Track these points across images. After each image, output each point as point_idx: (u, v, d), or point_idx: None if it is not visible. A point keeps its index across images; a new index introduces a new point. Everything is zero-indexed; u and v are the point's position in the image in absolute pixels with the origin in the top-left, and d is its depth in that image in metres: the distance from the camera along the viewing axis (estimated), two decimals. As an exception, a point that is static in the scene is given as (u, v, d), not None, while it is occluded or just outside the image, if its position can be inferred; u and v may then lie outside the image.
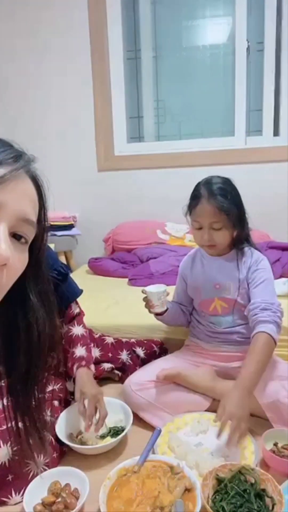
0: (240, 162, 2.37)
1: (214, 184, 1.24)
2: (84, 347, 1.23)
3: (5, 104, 2.59)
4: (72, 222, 2.52)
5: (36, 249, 0.54)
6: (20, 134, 2.57)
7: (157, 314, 1.35)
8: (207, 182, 1.25)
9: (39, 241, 0.54)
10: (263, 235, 2.23)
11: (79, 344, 1.23)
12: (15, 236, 0.48)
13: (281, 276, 1.89)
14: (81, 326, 1.28)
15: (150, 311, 1.32)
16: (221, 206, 1.20)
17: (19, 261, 0.49)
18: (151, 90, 2.67)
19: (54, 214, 2.39)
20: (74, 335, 1.25)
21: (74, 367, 1.18)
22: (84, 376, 1.16)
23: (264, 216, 2.31)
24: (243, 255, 1.31)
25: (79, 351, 1.22)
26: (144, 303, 1.31)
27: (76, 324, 1.27)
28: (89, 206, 2.62)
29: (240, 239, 1.31)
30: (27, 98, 2.58)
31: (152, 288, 1.28)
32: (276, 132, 2.48)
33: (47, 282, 0.58)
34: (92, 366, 1.24)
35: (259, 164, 2.40)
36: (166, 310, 1.33)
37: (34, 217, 0.50)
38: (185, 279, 1.41)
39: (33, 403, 0.60)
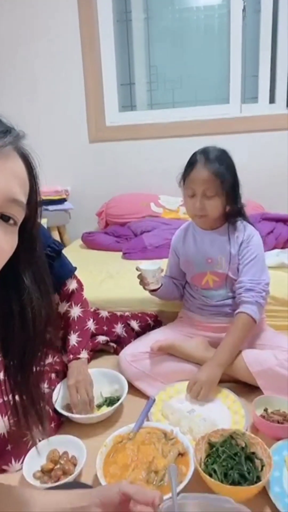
0: (235, 131, 2.31)
1: (210, 152, 1.23)
2: (77, 333, 1.25)
3: (-11, 72, 2.48)
4: (65, 196, 2.48)
5: (28, 230, 0.52)
6: (5, 105, 2.48)
7: (151, 291, 1.35)
8: (204, 151, 1.25)
9: (31, 222, 0.52)
10: (257, 206, 2.21)
11: (72, 332, 1.25)
12: (3, 218, 0.46)
13: (274, 247, 1.89)
14: (78, 305, 1.28)
15: (144, 288, 1.32)
16: (216, 171, 1.20)
17: (7, 243, 0.47)
18: (143, 55, 2.55)
19: (46, 188, 2.35)
20: (70, 318, 1.26)
21: (70, 355, 1.22)
22: (70, 368, 1.19)
23: (259, 186, 2.29)
24: (235, 230, 1.30)
25: (73, 339, 1.24)
26: (139, 280, 1.31)
27: (73, 305, 1.28)
28: (81, 179, 2.57)
29: (233, 213, 1.30)
30: (12, 65, 2.46)
31: (146, 266, 1.29)
32: (272, 99, 2.41)
33: (42, 264, 0.56)
34: (85, 353, 1.24)
35: (254, 133, 2.34)
36: (160, 287, 1.33)
37: (23, 197, 0.48)
38: (177, 254, 1.40)
39: (30, 381, 0.60)
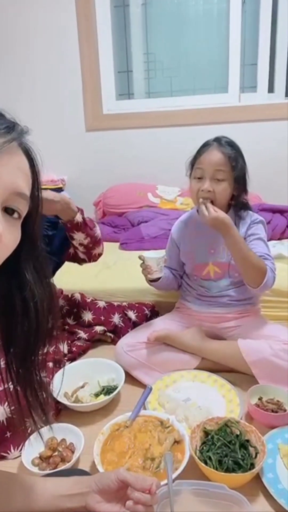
0: (233, 121, 2.29)
1: (223, 138, 1.25)
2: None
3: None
4: (61, 186, 2.46)
5: (30, 224, 0.53)
6: (0, 93, 2.43)
7: (152, 281, 1.35)
8: (217, 138, 1.26)
9: (33, 216, 0.53)
10: (254, 196, 2.21)
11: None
12: (7, 211, 0.47)
13: (271, 239, 1.90)
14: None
15: (147, 278, 1.32)
16: (229, 154, 1.21)
17: (11, 236, 0.48)
18: (140, 42, 2.51)
19: (42, 178, 2.33)
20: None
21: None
22: None
23: (257, 177, 2.27)
24: (240, 219, 1.31)
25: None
26: (141, 269, 1.31)
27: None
28: (77, 168, 2.54)
29: (239, 203, 1.30)
30: (7, 52, 2.41)
31: (151, 254, 1.29)
32: (271, 89, 2.39)
33: (43, 257, 0.57)
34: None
35: (253, 123, 2.32)
36: (161, 276, 1.33)
37: (27, 191, 0.49)
38: (178, 245, 1.40)
39: (34, 372, 0.60)
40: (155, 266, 1.27)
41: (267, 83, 2.37)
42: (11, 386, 0.86)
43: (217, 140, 1.25)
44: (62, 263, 1.38)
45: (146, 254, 1.29)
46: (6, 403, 0.97)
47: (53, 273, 1.32)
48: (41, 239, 0.56)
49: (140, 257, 1.29)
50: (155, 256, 1.28)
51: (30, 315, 0.55)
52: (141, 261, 1.29)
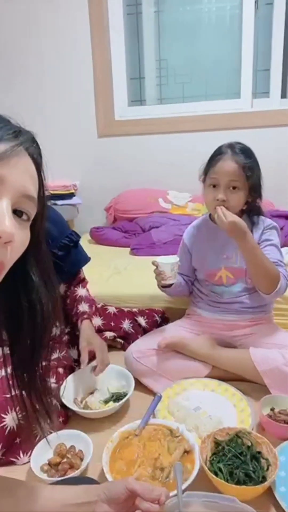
0: (246, 127, 2.27)
1: (238, 146, 1.24)
2: (87, 304, 1.32)
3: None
4: (73, 191, 2.47)
5: (37, 228, 0.53)
6: (14, 100, 2.49)
7: (165, 287, 1.34)
8: (231, 145, 1.25)
9: (39, 220, 0.54)
10: (267, 203, 2.18)
11: (82, 302, 1.32)
12: (16, 213, 0.48)
13: (283, 246, 1.87)
14: (85, 289, 1.37)
15: (160, 283, 1.30)
16: (244, 164, 1.20)
17: (21, 238, 0.49)
18: (153, 48, 2.52)
19: (54, 183, 2.35)
20: (78, 295, 1.34)
21: (79, 321, 1.27)
22: (87, 328, 1.25)
23: (269, 183, 2.24)
24: (253, 224, 1.30)
25: (82, 307, 1.31)
26: (155, 274, 1.30)
27: (80, 287, 1.36)
28: (89, 174, 2.56)
29: (252, 209, 1.30)
30: (22, 60, 2.45)
31: (165, 259, 1.28)
32: (283, 94, 2.37)
33: (48, 260, 0.58)
34: (93, 321, 1.35)
35: (265, 129, 2.30)
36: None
37: (35, 194, 0.50)
38: (190, 250, 1.40)
39: (38, 376, 0.61)
40: (169, 272, 1.26)
41: (280, 89, 2.35)
42: (19, 393, 0.86)
43: (231, 147, 1.23)
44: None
45: (159, 259, 1.28)
46: (15, 410, 0.97)
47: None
48: (46, 242, 0.57)
49: (153, 263, 1.27)
50: (169, 261, 1.27)
51: (37, 315, 0.56)
52: (155, 267, 1.28)
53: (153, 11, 2.46)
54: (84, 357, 1.17)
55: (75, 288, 1.34)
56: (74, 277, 1.36)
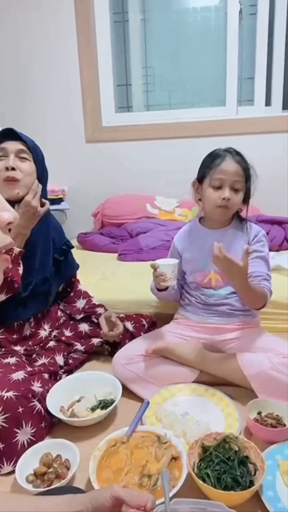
0: (231, 133, 2.31)
1: (232, 150, 1.29)
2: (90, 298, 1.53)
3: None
4: (62, 196, 2.47)
5: None
6: (1, 106, 2.46)
7: (160, 290, 1.34)
8: (227, 149, 1.29)
9: None
10: (253, 208, 2.21)
11: (89, 297, 1.53)
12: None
13: (269, 250, 1.89)
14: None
15: (160, 285, 1.29)
16: (244, 166, 1.26)
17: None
18: (139, 56, 2.55)
19: (42, 188, 2.34)
20: (82, 290, 1.54)
21: (98, 309, 1.50)
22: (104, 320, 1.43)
23: (255, 188, 2.29)
24: (242, 229, 1.34)
25: (94, 299, 1.53)
26: (154, 276, 1.28)
27: (79, 284, 1.55)
28: (77, 179, 2.56)
29: (240, 213, 1.35)
30: (10, 67, 2.45)
31: (165, 261, 1.28)
32: (268, 102, 2.42)
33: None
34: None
35: (250, 135, 2.34)
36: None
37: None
38: (181, 253, 1.41)
39: None
40: (170, 273, 1.25)
41: (264, 97, 2.40)
42: (6, 394, 0.84)
43: (228, 151, 1.28)
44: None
45: (160, 261, 1.27)
46: None
47: (46, 294, 1.38)
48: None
49: (152, 266, 1.26)
50: (171, 263, 1.26)
51: None
52: (154, 269, 1.26)
53: (139, 19, 2.49)
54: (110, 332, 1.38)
55: (78, 284, 1.53)
56: (71, 278, 1.51)
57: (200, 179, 1.32)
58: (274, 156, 2.32)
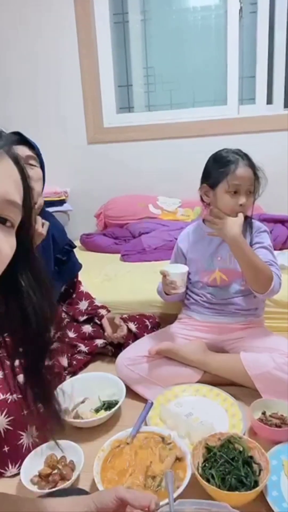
0: (233, 132, 2.30)
1: (241, 152, 1.29)
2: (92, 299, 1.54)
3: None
4: (64, 197, 2.47)
5: (24, 233, 0.52)
6: (2, 107, 2.46)
7: (168, 294, 1.33)
8: (236, 152, 1.29)
9: (26, 225, 0.52)
10: (255, 207, 2.20)
11: (91, 298, 1.53)
12: (0, 220, 0.46)
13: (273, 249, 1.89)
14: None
15: (170, 293, 1.29)
16: (255, 170, 1.26)
17: (7, 245, 0.47)
18: (140, 56, 2.55)
19: (45, 190, 2.34)
20: (84, 292, 1.54)
21: (100, 311, 1.51)
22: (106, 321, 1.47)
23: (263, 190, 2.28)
24: (246, 227, 1.33)
25: (95, 301, 1.53)
26: (164, 284, 1.29)
27: (81, 285, 1.56)
28: (79, 180, 2.56)
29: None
30: (10, 68, 2.46)
31: (172, 269, 1.27)
32: (269, 100, 2.41)
33: (39, 264, 0.56)
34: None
35: (252, 134, 2.34)
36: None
37: (18, 199, 0.48)
38: (185, 254, 1.41)
39: (45, 379, 0.60)
40: (180, 281, 1.26)
41: (265, 95, 2.39)
42: (10, 397, 0.84)
43: (238, 154, 1.27)
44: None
45: (168, 269, 1.26)
46: (3, 414, 0.95)
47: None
48: (35, 247, 0.56)
49: (162, 273, 1.26)
50: (179, 271, 1.26)
51: (31, 322, 0.54)
52: (163, 276, 1.26)
53: (139, 20, 2.49)
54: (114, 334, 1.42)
55: (79, 285, 1.54)
56: (74, 279, 1.52)
57: (212, 184, 1.29)
58: (277, 154, 2.31)
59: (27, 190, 0.51)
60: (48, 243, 1.34)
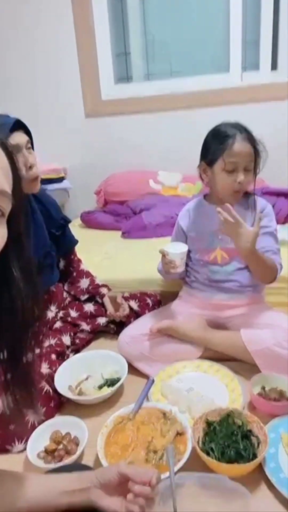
0: (236, 102, 2.22)
1: (240, 125, 1.22)
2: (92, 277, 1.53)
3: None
4: (63, 175, 2.43)
5: (15, 222, 0.52)
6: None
7: (168, 273, 1.32)
8: (234, 125, 1.22)
9: (17, 214, 0.52)
10: (258, 179, 2.15)
11: (91, 276, 1.53)
12: None
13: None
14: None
15: (169, 272, 1.28)
16: (254, 144, 1.20)
17: None
18: (138, 21, 2.42)
19: (43, 167, 2.30)
20: (85, 270, 1.53)
21: (102, 289, 1.50)
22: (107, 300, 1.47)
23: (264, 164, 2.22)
24: (248, 204, 1.30)
25: (96, 280, 1.53)
26: (163, 263, 1.28)
27: (81, 263, 1.54)
28: (78, 157, 2.51)
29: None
30: (3, 40, 2.35)
31: (171, 248, 1.26)
32: (274, 66, 2.30)
33: (29, 255, 0.56)
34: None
35: (256, 103, 2.25)
36: None
37: (8, 188, 0.48)
38: (185, 231, 1.39)
39: (22, 370, 0.61)
40: (179, 261, 1.25)
41: (270, 60, 2.28)
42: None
43: (237, 128, 1.20)
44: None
45: (168, 248, 1.25)
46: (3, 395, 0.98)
47: (51, 267, 1.36)
48: (27, 237, 0.56)
49: (162, 252, 1.25)
50: (178, 250, 1.25)
51: (17, 312, 0.55)
52: (162, 255, 1.25)
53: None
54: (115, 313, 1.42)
55: (80, 263, 1.53)
56: (71, 255, 1.50)
57: (209, 162, 1.24)
58: (282, 124, 2.23)
59: (17, 179, 0.50)
60: (39, 218, 1.31)
